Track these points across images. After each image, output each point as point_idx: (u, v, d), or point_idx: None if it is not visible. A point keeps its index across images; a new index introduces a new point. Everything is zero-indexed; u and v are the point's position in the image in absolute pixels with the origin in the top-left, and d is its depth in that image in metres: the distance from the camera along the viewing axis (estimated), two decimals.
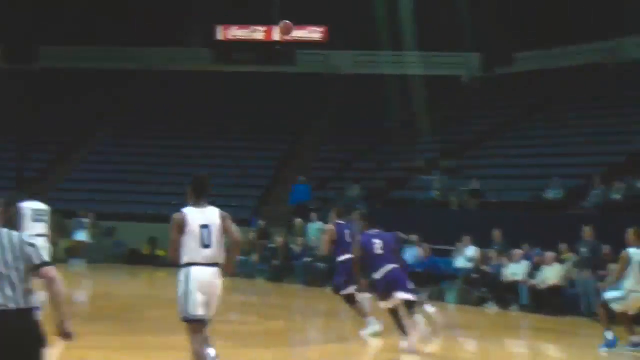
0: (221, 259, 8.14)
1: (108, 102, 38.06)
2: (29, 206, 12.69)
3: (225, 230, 8.13)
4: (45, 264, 5.17)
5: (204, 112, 36.81)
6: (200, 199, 8.18)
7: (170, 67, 38.85)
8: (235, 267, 8.76)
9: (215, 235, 8.06)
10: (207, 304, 8.07)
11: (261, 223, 27.21)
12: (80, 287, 21.63)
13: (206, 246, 8.01)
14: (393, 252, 12.40)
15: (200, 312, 8.03)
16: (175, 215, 8.14)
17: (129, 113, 37.96)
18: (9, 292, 4.89)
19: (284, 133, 36.09)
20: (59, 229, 29.31)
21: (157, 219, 30.13)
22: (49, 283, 5.15)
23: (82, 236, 28.98)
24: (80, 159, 35.68)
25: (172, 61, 39.26)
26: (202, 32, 39.82)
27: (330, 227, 14.01)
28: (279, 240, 25.14)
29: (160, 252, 29.79)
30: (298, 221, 26.31)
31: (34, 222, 12.50)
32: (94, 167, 35.15)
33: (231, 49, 39.37)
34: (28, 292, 5.03)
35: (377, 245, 12.22)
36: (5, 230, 5.19)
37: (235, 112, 36.17)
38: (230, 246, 8.31)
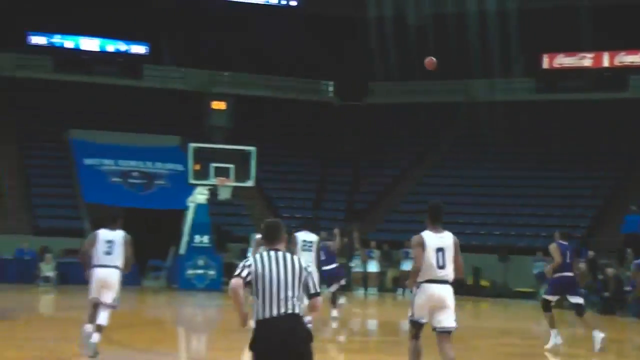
0: (451, 278, 9.08)
1: (434, 135, 38.85)
2: (301, 237, 14.81)
3: (455, 256, 9.12)
4: (317, 294, 6.48)
5: (529, 142, 36.30)
6: (436, 224, 9.15)
7: (495, 97, 38.82)
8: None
9: (448, 258, 9.03)
10: (435, 313, 9.09)
11: (591, 253, 26.15)
12: (404, 315, 22.02)
13: (441, 267, 9.01)
14: None
15: (421, 317, 9.17)
16: (415, 237, 9.17)
17: (454, 145, 38.42)
18: (288, 304, 6.25)
19: (614, 161, 34.52)
20: (387, 259, 30.45)
21: (481, 250, 30.19)
22: (313, 309, 6.58)
23: (408, 266, 29.57)
24: (407, 191, 36.58)
25: (497, 92, 39.23)
26: (527, 62, 39.39)
27: None
28: (609, 271, 23.94)
29: (484, 283, 29.67)
30: (629, 252, 24.96)
31: (302, 251, 14.60)
32: (420, 198, 35.79)
33: (557, 77, 38.56)
34: (299, 305, 6.33)
35: None
36: (289, 255, 6.44)
37: (561, 141, 35.32)
38: (456, 271, 9.20)
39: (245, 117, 35.67)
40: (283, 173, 36.61)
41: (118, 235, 11.77)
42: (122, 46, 40.48)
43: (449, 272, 9.07)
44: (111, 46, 40.44)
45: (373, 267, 29.28)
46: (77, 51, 39.84)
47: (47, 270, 26.42)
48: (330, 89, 42.73)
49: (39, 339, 14.05)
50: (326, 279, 17.16)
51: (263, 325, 6.20)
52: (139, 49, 40.57)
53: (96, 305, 11.71)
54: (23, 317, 17.07)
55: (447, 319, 9.15)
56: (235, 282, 6.31)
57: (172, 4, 39.78)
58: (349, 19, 39.34)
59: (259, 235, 25.88)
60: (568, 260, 14.13)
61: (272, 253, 6.43)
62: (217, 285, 25.37)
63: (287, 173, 36.88)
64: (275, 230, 6.65)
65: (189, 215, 26.81)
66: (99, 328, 11.57)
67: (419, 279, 9.12)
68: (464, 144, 38.30)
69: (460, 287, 29.95)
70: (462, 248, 27.88)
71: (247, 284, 6.32)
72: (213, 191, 27.54)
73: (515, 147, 36.32)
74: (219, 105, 34.06)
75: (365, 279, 29.44)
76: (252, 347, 6.22)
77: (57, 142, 34.69)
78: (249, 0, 41.32)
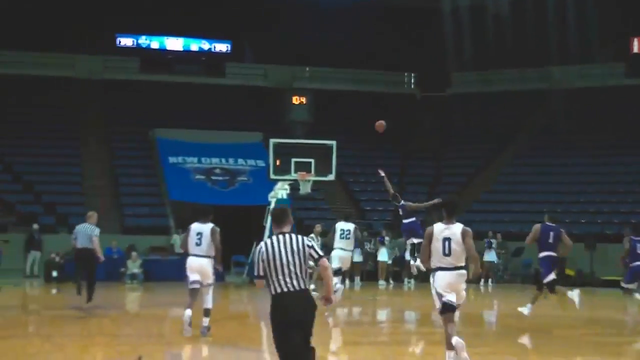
0: (461, 263, 10.07)
1: (516, 124, 38.35)
2: (339, 226, 18.02)
3: (465, 245, 10.02)
4: (321, 257, 7.57)
5: (616, 128, 35.53)
6: (450, 216, 10.14)
7: (579, 84, 38.06)
8: (475, 273, 10.78)
9: (455, 246, 9.97)
10: (453, 295, 10.07)
11: None
12: (490, 306, 21.88)
13: (446, 254, 10.01)
14: None
15: (446, 299, 10.05)
16: (427, 229, 10.27)
17: (536, 134, 37.87)
18: (299, 279, 7.42)
19: None
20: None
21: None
22: (323, 269, 7.66)
23: (491, 256, 29.35)
24: (489, 180, 36.23)
25: (582, 78, 38.45)
26: (615, 47, 38.51)
27: None
28: None
29: (569, 272, 29.21)
30: None
31: (340, 238, 17.82)
32: (502, 187, 35.54)
33: None
34: (305, 279, 7.45)
35: None
36: (294, 236, 7.56)
37: None
38: (468, 258, 10.16)
39: (326, 111, 35.90)
40: (364, 166, 36.67)
41: (207, 228, 13.13)
42: (205, 45, 41.19)
43: (454, 260, 10.06)
44: (195, 45, 41.21)
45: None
46: (162, 51, 40.75)
47: (134, 267, 27.06)
48: (412, 80, 42.57)
49: (125, 335, 14.48)
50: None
51: (277, 298, 7.38)
52: (222, 47, 41.22)
53: (193, 293, 13.04)
54: (110, 314, 17.56)
55: (459, 298, 10.26)
56: (258, 283, 7.63)
57: (253, 2, 40.23)
58: (428, 9, 39.10)
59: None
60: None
61: (280, 237, 7.57)
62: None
63: (368, 166, 36.89)
64: (282, 216, 7.73)
65: (271, 211, 27.08)
66: (206, 312, 13.09)
67: (432, 266, 10.22)
68: (547, 132, 37.71)
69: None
70: None
71: (264, 276, 7.50)
72: (294, 186, 27.75)
73: (601, 134, 35.61)
74: (299, 100, 34.34)
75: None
76: (271, 317, 7.43)
77: (143, 142, 35.54)
78: None
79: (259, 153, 32.23)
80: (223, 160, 33.65)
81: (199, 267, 13.10)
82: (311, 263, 7.67)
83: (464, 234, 10.06)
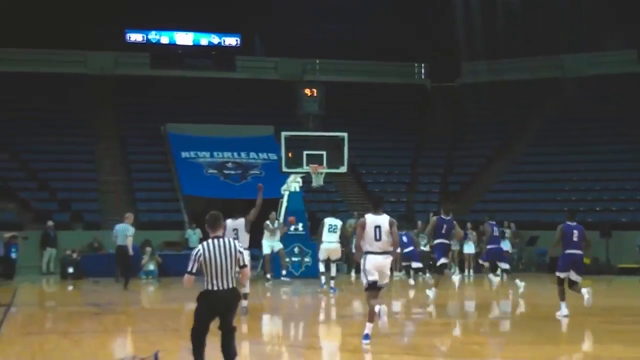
0: (388, 249, 11.75)
1: (528, 113, 38.25)
2: (328, 221, 20.95)
3: (390, 232, 11.70)
4: (244, 266, 8.84)
5: (629, 115, 35.39)
6: (377, 208, 11.95)
7: (591, 71, 37.92)
8: (397, 259, 13.12)
9: (384, 232, 11.67)
10: (379, 276, 11.76)
11: None
12: (505, 295, 21.86)
13: (378, 239, 11.67)
14: None
15: (373, 278, 11.73)
16: (360, 219, 12.10)
17: (548, 122, 37.76)
18: (229, 277, 8.63)
19: None
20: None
21: (582, 226, 29.57)
22: (243, 275, 9.01)
23: (505, 245, 29.23)
24: (502, 170, 36.16)
25: (594, 66, 38.32)
26: (627, 33, 38.32)
27: None
28: None
29: (585, 260, 29.04)
30: None
31: (328, 232, 20.72)
32: (515, 177, 35.46)
33: None
34: (234, 279, 8.70)
35: None
36: (228, 241, 8.72)
37: None
38: (394, 244, 11.93)
39: (337, 103, 35.86)
40: (376, 157, 36.68)
41: (240, 223, 14.92)
42: (215, 39, 41.22)
43: (384, 245, 11.76)
44: (204, 39, 41.26)
45: (469, 248, 29.07)
46: (172, 46, 40.81)
47: (148, 263, 27.13)
48: (422, 71, 42.51)
49: (141, 330, 14.54)
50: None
51: (209, 294, 8.61)
52: (231, 40, 41.23)
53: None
54: (126, 309, 17.66)
55: (384, 278, 11.93)
56: (186, 279, 8.64)
57: None
58: None
59: (353, 220, 26.27)
60: None
61: (216, 241, 8.68)
62: (314, 272, 25.54)
63: (380, 157, 36.94)
64: (216, 220, 8.77)
65: (284, 204, 27.11)
66: (245, 296, 14.83)
67: (364, 250, 11.82)
68: (560, 120, 37.60)
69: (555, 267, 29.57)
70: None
71: (196, 273, 8.58)
72: (306, 178, 27.76)
73: (615, 122, 35.46)
74: (310, 92, 34.30)
75: (461, 261, 29.24)
76: (199, 303, 8.69)
77: (156, 137, 35.64)
78: None
79: (271, 146, 32.25)
80: (235, 154, 33.71)
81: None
82: (237, 269, 8.81)
83: (390, 223, 11.81)
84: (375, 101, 39.49)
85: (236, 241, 8.87)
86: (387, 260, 11.81)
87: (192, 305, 15.40)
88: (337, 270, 23.12)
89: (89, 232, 30.02)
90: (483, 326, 15.27)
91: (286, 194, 27.18)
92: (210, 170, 32.70)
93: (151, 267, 27.04)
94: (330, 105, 33.91)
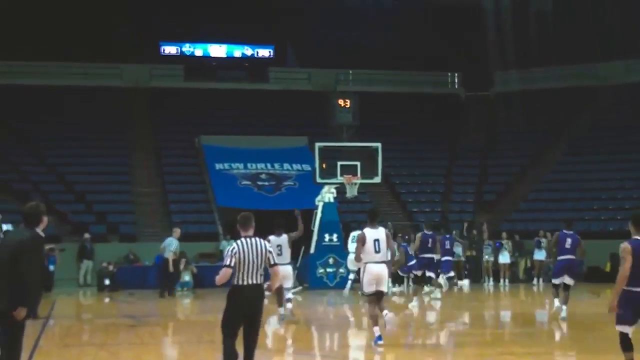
0: (386, 259, 13.00)
1: (562, 122, 37.99)
2: (353, 234, 21.90)
3: (388, 244, 13.00)
4: (275, 265, 9.29)
5: None
6: (373, 222, 13.00)
7: (624, 80, 37.61)
8: (394, 266, 14.33)
9: (382, 245, 12.86)
10: (377, 285, 12.85)
11: None
12: (541, 305, 21.70)
13: (377, 252, 12.85)
14: None
15: (370, 290, 12.90)
16: (359, 234, 13.33)
17: (583, 131, 37.47)
18: (258, 274, 9.09)
19: None
20: (518, 249, 29.99)
21: (619, 235, 29.21)
22: (274, 274, 9.40)
23: (540, 255, 29.08)
24: (537, 179, 35.91)
25: (627, 74, 37.99)
26: None
27: None
28: None
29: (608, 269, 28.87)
30: None
31: (351, 243, 21.33)
32: (550, 186, 35.19)
33: None
34: (261, 276, 9.15)
35: None
36: (259, 240, 9.21)
37: None
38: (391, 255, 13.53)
39: (371, 114, 35.83)
40: (410, 167, 36.61)
41: (283, 240, 16.19)
42: (248, 51, 41.48)
43: (383, 256, 12.91)
44: (238, 51, 41.53)
45: (505, 258, 28.90)
46: (206, 58, 41.11)
47: (184, 274, 27.20)
48: (455, 80, 42.40)
49: (177, 342, 14.66)
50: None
51: (240, 289, 9.04)
52: (264, 52, 41.47)
53: (279, 291, 16.10)
54: (161, 321, 17.79)
55: (384, 287, 13.06)
56: (224, 271, 9.01)
57: (295, 6, 40.40)
58: (470, 7, 38.91)
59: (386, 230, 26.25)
60: None
61: (248, 240, 9.19)
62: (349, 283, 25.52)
63: (415, 167, 36.86)
64: (248, 220, 9.28)
65: (318, 215, 27.14)
66: (289, 300, 16.43)
67: (364, 261, 12.92)
68: (595, 128, 37.28)
69: (597, 275, 29.37)
70: (599, 235, 27.85)
71: (234, 267, 9.03)
72: (340, 189, 27.77)
73: None
74: (343, 103, 34.33)
75: (497, 271, 29.07)
76: (230, 301, 9.09)
77: (190, 149, 35.88)
78: None
79: (305, 157, 32.33)
80: (269, 165, 33.84)
81: (283, 273, 15.07)
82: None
83: (387, 236, 13.09)
84: (408, 111, 39.43)
85: (265, 241, 9.37)
86: (384, 269, 13.01)
87: None
88: None
89: (124, 244, 30.27)
90: (522, 336, 15.17)
91: (320, 204, 27.21)
92: (244, 182, 32.85)
93: (186, 278, 27.12)
94: (364, 115, 33.87)
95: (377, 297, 12.95)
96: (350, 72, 41.61)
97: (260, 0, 40.19)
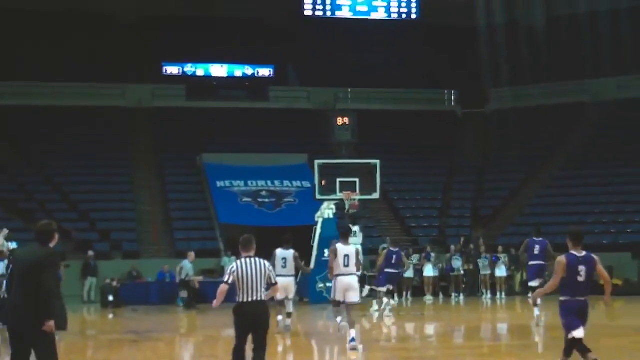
0: (355, 272, 14.49)
1: (557, 137, 38.49)
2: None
3: (356, 259, 14.55)
4: (275, 283, 10.01)
5: None
6: (346, 240, 14.66)
7: (615, 96, 38.20)
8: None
9: (352, 260, 14.39)
10: (346, 295, 14.22)
11: None
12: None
13: (346, 265, 14.31)
14: None
15: (339, 298, 14.31)
16: (332, 247, 14.58)
17: (577, 146, 37.96)
18: (259, 292, 9.65)
19: None
20: (515, 263, 30.38)
21: (613, 248, 29.82)
22: (273, 292, 10.17)
23: (501, 272, 29.49)
24: (533, 193, 36.38)
25: (617, 90, 38.58)
26: None
27: None
28: None
29: (616, 282, 29.19)
30: None
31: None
32: (546, 200, 35.66)
33: None
34: (264, 293, 9.70)
35: None
36: (259, 260, 9.79)
37: None
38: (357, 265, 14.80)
39: (369, 131, 36.38)
40: (408, 184, 37.09)
41: (290, 254, 17.45)
42: (249, 70, 42.02)
43: (351, 269, 14.39)
44: (239, 71, 42.08)
45: (501, 271, 29.34)
46: (207, 78, 41.62)
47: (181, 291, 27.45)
48: (452, 98, 42.91)
49: (179, 357, 15.03)
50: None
51: (241, 306, 9.64)
52: (265, 71, 41.99)
53: (281, 303, 17.43)
54: (164, 337, 18.11)
55: (353, 297, 14.34)
56: (222, 288, 9.70)
57: (295, 26, 40.96)
58: (465, 27, 39.50)
59: (386, 245, 26.66)
60: None
61: (248, 260, 9.78)
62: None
63: (413, 183, 37.34)
64: (249, 242, 9.86)
65: (317, 230, 27.53)
66: (289, 315, 17.62)
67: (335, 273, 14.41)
68: (590, 144, 37.80)
69: (592, 287, 29.60)
70: (593, 248, 28.12)
71: (232, 284, 9.65)
72: (340, 205, 28.18)
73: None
74: (343, 121, 34.87)
75: (494, 284, 29.50)
76: (236, 317, 9.69)
77: (192, 167, 36.37)
78: (370, 17, 42.05)
79: (305, 174, 32.82)
80: (269, 182, 34.33)
81: (285, 287, 16.69)
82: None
83: (357, 252, 14.74)
84: (406, 128, 39.94)
85: (266, 261, 9.97)
86: (354, 281, 14.50)
87: (229, 332, 16.03)
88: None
89: (128, 261, 30.73)
90: (519, 348, 15.43)
91: (320, 220, 27.63)
92: (245, 199, 33.34)
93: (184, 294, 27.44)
94: (363, 133, 34.47)
95: (347, 307, 14.34)
96: (349, 90, 42.13)
97: (260, 21, 40.75)
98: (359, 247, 15.95)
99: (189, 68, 41.65)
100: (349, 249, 14.54)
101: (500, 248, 29.76)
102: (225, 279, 9.72)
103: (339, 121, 34.74)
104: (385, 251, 21.95)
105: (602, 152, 36.56)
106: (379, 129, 38.58)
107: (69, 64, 38.72)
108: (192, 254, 26.39)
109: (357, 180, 27.66)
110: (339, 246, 14.49)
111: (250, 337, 9.83)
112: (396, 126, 39.77)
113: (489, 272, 29.38)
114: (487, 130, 40.24)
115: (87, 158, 36.17)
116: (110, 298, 27.49)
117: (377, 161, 28.04)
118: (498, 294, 29.16)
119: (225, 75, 42.01)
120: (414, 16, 42.12)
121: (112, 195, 34.45)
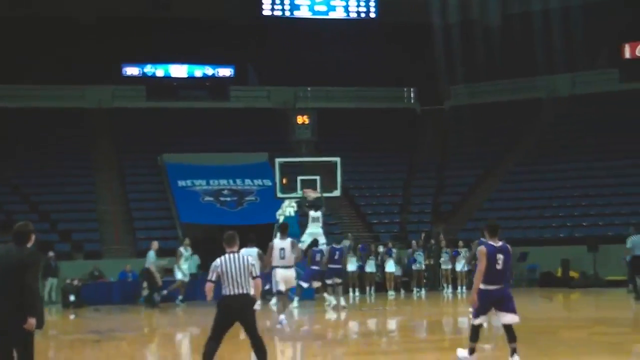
0: (291, 264, 16.96)
1: (515, 133, 39.06)
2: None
3: (293, 251, 16.91)
4: (257, 277, 10.26)
5: (614, 133, 36.18)
6: (284, 235, 17.10)
7: (574, 91, 38.82)
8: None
9: (287, 252, 16.70)
10: (284, 285, 16.85)
11: None
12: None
13: (282, 258, 16.78)
14: None
15: (281, 288, 16.92)
16: (270, 243, 16.92)
17: (536, 141, 38.54)
18: (244, 285, 9.98)
19: None
20: (475, 258, 30.80)
21: (569, 241, 30.37)
22: (256, 285, 10.32)
23: (459, 266, 29.93)
24: (491, 189, 36.89)
25: (577, 85, 39.20)
26: (608, 53, 39.28)
27: None
28: None
29: (573, 274, 29.80)
30: None
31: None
32: (504, 195, 36.19)
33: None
34: (249, 286, 10.06)
35: None
36: (241, 255, 10.13)
37: None
38: (296, 258, 17.34)
39: (329, 129, 36.63)
40: (369, 181, 37.39)
41: (287, 243, 17.48)
42: (209, 70, 42.06)
43: (287, 261, 16.76)
44: (199, 71, 42.10)
45: (461, 266, 29.72)
46: (167, 79, 41.60)
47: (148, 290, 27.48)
48: (411, 95, 43.30)
49: (141, 357, 15.04)
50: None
51: (226, 298, 9.98)
52: (225, 71, 42.06)
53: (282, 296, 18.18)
54: (127, 336, 18.07)
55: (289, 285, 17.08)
56: (207, 286, 10.13)
57: (255, 26, 41.09)
58: (423, 25, 39.89)
59: (347, 242, 26.85)
60: None
61: (232, 255, 10.10)
62: (310, 295, 25.96)
63: (373, 180, 37.65)
64: (232, 238, 10.20)
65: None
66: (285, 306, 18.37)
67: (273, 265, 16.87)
68: (546, 139, 38.40)
69: (549, 280, 30.20)
70: (550, 241, 28.54)
71: (216, 281, 10.04)
72: (301, 203, 28.33)
73: (600, 139, 36.23)
74: (302, 119, 35.08)
75: (454, 278, 29.88)
76: (218, 309, 9.99)
77: (153, 167, 36.35)
78: (329, 16, 42.30)
79: (266, 173, 32.95)
80: (231, 181, 34.41)
81: (287, 276, 17.47)
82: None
83: (292, 244, 16.92)
84: (366, 126, 40.25)
85: (248, 256, 10.38)
86: (291, 272, 16.79)
87: (192, 331, 16.10)
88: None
89: (89, 261, 30.65)
90: (445, 342, 15.66)
91: (281, 218, 27.72)
92: (207, 198, 33.39)
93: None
94: (323, 131, 34.73)
95: (283, 297, 16.63)
96: (309, 89, 42.36)
97: (220, 21, 40.81)
98: (295, 240, 17.51)
99: (148, 69, 41.59)
100: (285, 243, 16.54)
101: (460, 243, 30.12)
102: (209, 277, 10.08)
103: (299, 120, 34.99)
104: (329, 248, 22.97)
105: (557, 147, 37.17)
106: (338, 127, 38.85)
107: (28, 65, 38.48)
108: (155, 243, 26.38)
109: (317, 178, 27.81)
110: (276, 241, 16.55)
111: (244, 337, 10.00)
112: (356, 124, 40.07)
113: (449, 266, 29.75)
114: (446, 127, 40.68)
115: (47, 159, 36.02)
116: (72, 298, 27.39)
117: (338, 159, 28.20)
118: (459, 288, 29.54)
119: (185, 75, 42.02)
120: (372, 15, 42.49)
121: (73, 196, 34.34)
